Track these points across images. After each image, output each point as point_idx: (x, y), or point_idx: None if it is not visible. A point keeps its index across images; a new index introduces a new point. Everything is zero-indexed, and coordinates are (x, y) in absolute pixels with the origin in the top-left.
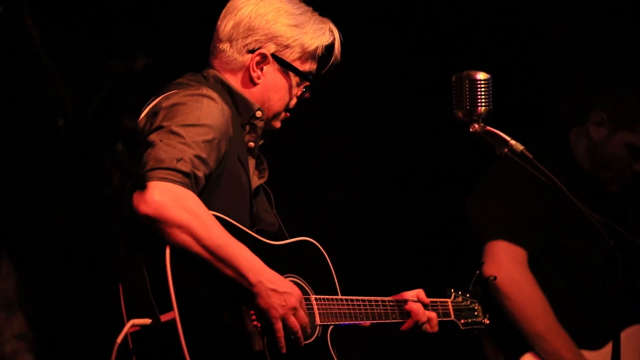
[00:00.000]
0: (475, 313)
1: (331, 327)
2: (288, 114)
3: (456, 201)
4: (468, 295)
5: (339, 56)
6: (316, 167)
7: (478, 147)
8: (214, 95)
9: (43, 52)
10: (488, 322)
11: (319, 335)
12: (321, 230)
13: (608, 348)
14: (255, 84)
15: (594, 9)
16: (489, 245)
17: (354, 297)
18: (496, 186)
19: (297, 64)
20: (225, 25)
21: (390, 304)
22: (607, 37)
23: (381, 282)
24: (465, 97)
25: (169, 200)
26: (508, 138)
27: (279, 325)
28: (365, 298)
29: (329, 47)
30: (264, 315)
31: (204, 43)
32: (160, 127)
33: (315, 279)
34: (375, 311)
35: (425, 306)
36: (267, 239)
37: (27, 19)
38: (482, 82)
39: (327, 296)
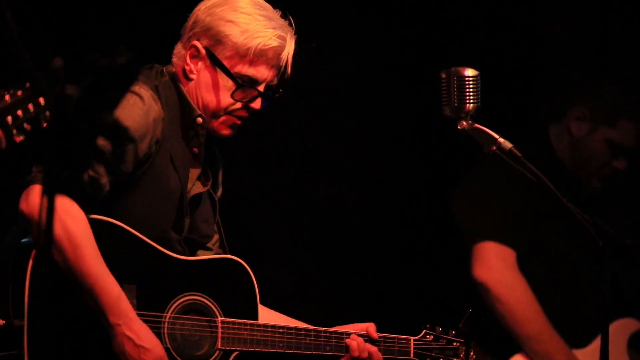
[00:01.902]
0: (454, 351)
1: (235, 352)
2: (238, 121)
3: (441, 201)
4: (453, 332)
5: (288, 69)
6: (300, 166)
7: (462, 146)
8: (146, 94)
9: (23, 46)
10: None
11: (218, 358)
12: (305, 229)
13: (593, 345)
14: (189, 79)
15: (578, 6)
16: (478, 246)
17: (276, 325)
18: (481, 186)
19: (228, 63)
20: (188, 19)
21: (327, 335)
22: (590, 33)
23: (364, 281)
24: (453, 93)
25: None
26: (496, 136)
27: None
28: (293, 327)
29: (280, 54)
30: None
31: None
32: None
33: (229, 300)
34: (302, 341)
35: (374, 341)
36: (187, 250)
37: (7, 13)
38: (471, 78)
39: (239, 320)
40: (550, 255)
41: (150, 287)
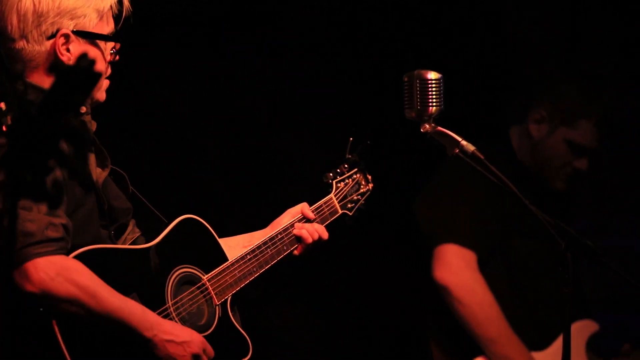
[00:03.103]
0: (359, 184)
1: (229, 299)
2: (108, 81)
3: (404, 204)
4: (346, 167)
5: (129, 7)
6: (266, 166)
7: (427, 148)
8: None
9: None
10: (372, 184)
11: (221, 314)
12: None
13: (553, 347)
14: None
15: (543, 7)
16: (439, 248)
17: (242, 255)
18: (443, 189)
19: (99, 30)
20: (10, 23)
21: (280, 237)
22: (553, 36)
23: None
24: (416, 97)
25: (53, 275)
26: (459, 138)
27: None
28: (253, 248)
29: (119, 2)
30: None
31: None
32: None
33: (203, 256)
34: (268, 254)
35: (311, 221)
36: (116, 241)
37: None
38: (433, 81)
39: (218, 269)
40: (513, 257)
41: (145, 287)
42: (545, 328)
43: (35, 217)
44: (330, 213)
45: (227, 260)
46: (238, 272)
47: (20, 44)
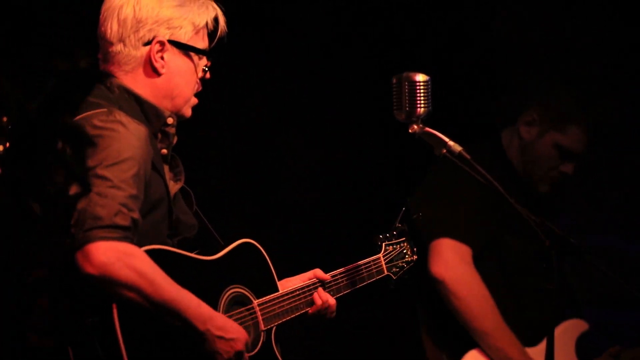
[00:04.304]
0: (405, 253)
1: (274, 328)
2: (197, 100)
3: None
4: (395, 233)
5: (225, 27)
6: (261, 167)
7: (420, 148)
8: (125, 119)
9: None
10: (416, 257)
11: (264, 340)
12: (264, 230)
13: (544, 344)
14: (159, 74)
15: (533, 10)
16: (435, 243)
17: (292, 289)
18: (439, 185)
19: (194, 43)
20: (110, 27)
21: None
22: (544, 38)
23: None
24: (404, 98)
25: (114, 260)
26: (446, 139)
27: None
28: (303, 284)
29: (216, 21)
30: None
31: None
32: (86, 170)
33: (256, 281)
34: (309, 298)
35: (324, 285)
36: (193, 247)
37: None
38: (422, 83)
39: (269, 297)
40: (505, 254)
41: (202, 296)
42: (536, 324)
43: (106, 204)
44: (377, 271)
45: (277, 290)
46: (286, 304)
47: (118, 47)
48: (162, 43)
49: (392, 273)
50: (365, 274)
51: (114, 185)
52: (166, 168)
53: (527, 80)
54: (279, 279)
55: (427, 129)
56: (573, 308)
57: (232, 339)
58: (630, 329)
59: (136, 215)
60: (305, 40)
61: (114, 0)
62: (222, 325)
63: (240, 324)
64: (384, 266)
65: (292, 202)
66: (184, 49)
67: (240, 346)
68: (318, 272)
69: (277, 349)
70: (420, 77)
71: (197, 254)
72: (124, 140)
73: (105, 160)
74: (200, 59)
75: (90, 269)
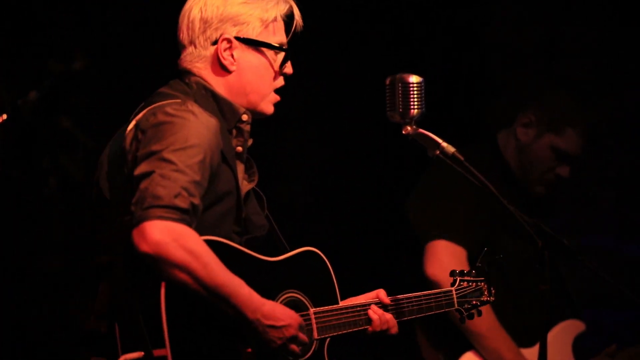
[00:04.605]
0: (481, 292)
1: (328, 339)
2: (278, 96)
3: (396, 202)
4: (474, 272)
5: (300, 21)
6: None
7: (416, 149)
8: (197, 110)
9: None
10: (493, 299)
11: (316, 348)
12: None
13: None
14: (230, 72)
15: (529, 12)
16: (430, 245)
17: (353, 304)
18: (435, 187)
19: (264, 38)
20: (182, 31)
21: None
22: (542, 41)
23: None
24: (398, 99)
25: (169, 240)
26: (440, 140)
27: (279, 355)
28: (365, 302)
29: (289, 15)
30: (263, 347)
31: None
32: (151, 154)
33: (315, 290)
34: (363, 317)
35: (386, 307)
36: (260, 247)
37: None
38: (415, 85)
39: (326, 307)
40: (501, 254)
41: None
42: (532, 325)
43: (168, 185)
44: (446, 303)
45: (337, 303)
46: (344, 318)
47: (190, 49)
48: (229, 40)
49: (462, 308)
50: (433, 304)
51: (178, 169)
52: (241, 167)
53: (524, 82)
54: (343, 298)
55: (421, 130)
56: (571, 308)
57: (283, 326)
58: (625, 329)
59: (197, 200)
60: (302, 38)
61: (185, 6)
62: (271, 313)
63: None
64: (455, 300)
65: (290, 202)
66: (254, 44)
67: (292, 331)
68: (381, 293)
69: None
70: (414, 79)
71: (259, 253)
72: (193, 128)
73: (172, 145)
74: (276, 53)
75: (144, 247)
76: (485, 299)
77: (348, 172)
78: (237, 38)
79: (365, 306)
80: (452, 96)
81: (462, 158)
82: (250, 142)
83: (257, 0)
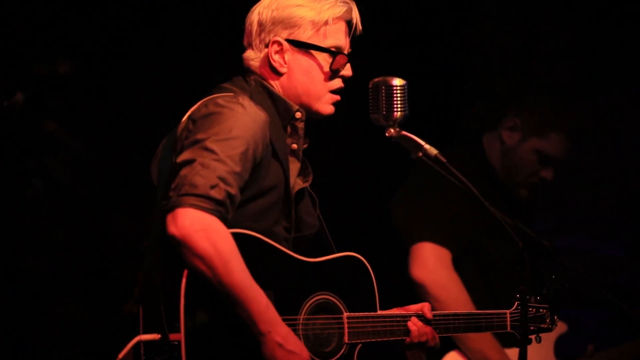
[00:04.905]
0: (543, 318)
1: (359, 345)
2: (338, 96)
3: (381, 204)
4: (538, 298)
5: (359, 25)
6: None
7: (399, 152)
8: (247, 103)
9: None
10: (556, 326)
11: (345, 352)
12: None
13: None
14: (281, 74)
15: (513, 16)
16: (415, 247)
17: (392, 313)
18: (419, 189)
19: (315, 41)
20: (245, 33)
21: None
22: (524, 44)
23: None
24: (381, 102)
25: (198, 228)
26: (422, 142)
27: None
28: (407, 313)
29: (347, 17)
30: None
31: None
32: (195, 142)
33: (353, 296)
34: (401, 327)
35: (428, 321)
36: (307, 247)
37: None
38: (398, 88)
39: (361, 314)
40: (484, 256)
41: (285, 291)
42: None
43: (206, 174)
44: (497, 325)
45: (375, 311)
46: (380, 326)
47: (249, 52)
48: (279, 43)
49: (517, 332)
50: (483, 323)
51: (218, 159)
52: (295, 164)
53: (509, 86)
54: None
55: (404, 132)
56: (551, 309)
57: (291, 352)
58: (603, 329)
59: (234, 190)
60: None
61: (250, 11)
62: (285, 335)
63: (324, 329)
64: (509, 323)
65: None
66: (304, 47)
67: None
68: (425, 307)
69: None
70: (397, 82)
71: (300, 253)
72: (240, 120)
73: (217, 134)
74: (330, 56)
75: (173, 230)
76: (545, 326)
77: (333, 174)
78: (288, 40)
79: (406, 317)
80: (436, 99)
81: (444, 160)
82: (307, 142)
83: (312, 2)
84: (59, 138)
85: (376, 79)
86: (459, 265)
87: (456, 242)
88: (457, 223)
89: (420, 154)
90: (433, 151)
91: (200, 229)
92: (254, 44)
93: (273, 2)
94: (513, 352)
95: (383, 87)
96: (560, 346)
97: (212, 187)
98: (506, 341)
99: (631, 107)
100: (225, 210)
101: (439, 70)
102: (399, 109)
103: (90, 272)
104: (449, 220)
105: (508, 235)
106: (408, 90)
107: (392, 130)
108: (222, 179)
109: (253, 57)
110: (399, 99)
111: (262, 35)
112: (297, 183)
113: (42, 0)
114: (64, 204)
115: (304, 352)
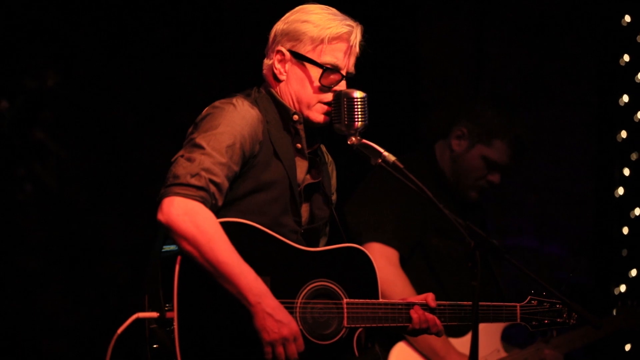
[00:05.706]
0: (558, 313)
1: (360, 329)
2: (329, 106)
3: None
4: (545, 294)
5: (355, 47)
6: None
7: (356, 158)
8: (239, 102)
9: None
10: (574, 322)
11: (344, 336)
12: None
13: (469, 335)
14: (280, 80)
15: (457, 30)
16: (365, 247)
17: (395, 302)
18: (370, 193)
19: (312, 55)
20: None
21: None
22: (473, 58)
23: None
24: (343, 113)
25: (180, 212)
26: (381, 150)
27: (268, 349)
28: (408, 301)
29: (348, 39)
30: (257, 336)
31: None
32: (189, 141)
33: (353, 284)
34: (403, 315)
35: (432, 310)
36: (315, 238)
37: None
38: (359, 99)
39: (361, 300)
40: (433, 254)
41: (283, 277)
42: None
43: (188, 166)
44: (507, 317)
45: (377, 299)
46: (382, 312)
47: (265, 60)
48: (282, 53)
49: (528, 324)
50: (491, 313)
51: (205, 153)
52: (303, 162)
53: (457, 97)
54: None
55: (364, 140)
56: (500, 301)
57: (280, 321)
58: None
59: (219, 179)
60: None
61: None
62: (274, 306)
63: (323, 312)
64: (519, 315)
65: None
66: (301, 59)
67: (286, 332)
68: (429, 297)
69: (356, 348)
70: (358, 94)
71: (311, 243)
72: (228, 117)
73: (205, 131)
74: (324, 71)
75: (160, 217)
76: (560, 320)
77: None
78: (290, 51)
79: (409, 306)
80: (393, 110)
81: (401, 166)
82: (317, 142)
83: (320, 21)
84: (47, 146)
85: (338, 91)
86: (410, 263)
87: (404, 243)
88: (405, 224)
89: (380, 160)
90: (391, 158)
91: (183, 212)
92: (267, 53)
93: (289, 16)
94: (458, 342)
95: (345, 99)
96: (507, 333)
97: (193, 175)
98: (451, 331)
99: (572, 116)
100: (209, 196)
101: (395, 83)
102: (359, 119)
103: (77, 270)
104: (397, 223)
105: (457, 235)
106: (368, 101)
107: (353, 139)
108: (206, 169)
109: (266, 64)
110: (359, 110)
111: (273, 46)
112: (306, 179)
113: (31, 16)
114: (52, 207)
115: (293, 324)
